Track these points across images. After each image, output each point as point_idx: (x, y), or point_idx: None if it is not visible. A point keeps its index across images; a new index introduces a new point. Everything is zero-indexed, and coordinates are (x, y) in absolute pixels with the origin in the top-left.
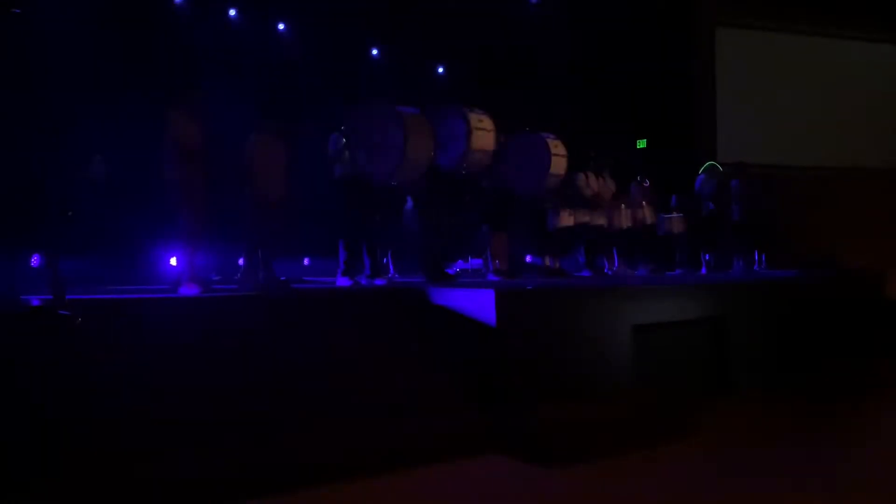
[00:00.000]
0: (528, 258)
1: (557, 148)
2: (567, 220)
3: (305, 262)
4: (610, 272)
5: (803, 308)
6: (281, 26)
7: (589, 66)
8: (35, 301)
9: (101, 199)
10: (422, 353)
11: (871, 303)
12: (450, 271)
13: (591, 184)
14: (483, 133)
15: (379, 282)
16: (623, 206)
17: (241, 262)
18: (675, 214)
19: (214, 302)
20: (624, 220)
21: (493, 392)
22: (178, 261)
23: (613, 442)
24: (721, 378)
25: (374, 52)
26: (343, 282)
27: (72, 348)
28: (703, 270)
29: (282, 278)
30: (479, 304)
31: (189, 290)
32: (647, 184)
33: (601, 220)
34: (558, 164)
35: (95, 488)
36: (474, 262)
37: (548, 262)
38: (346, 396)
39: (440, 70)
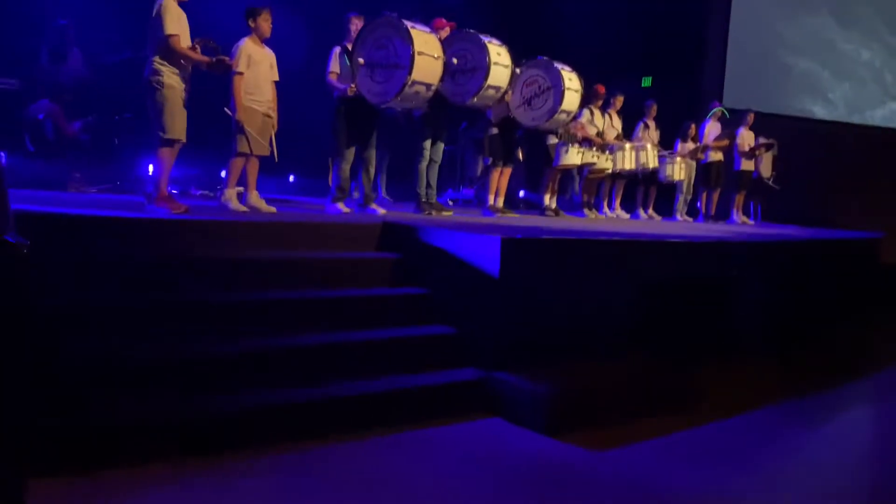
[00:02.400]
0: (521, 192)
1: (572, 82)
2: (574, 158)
3: (291, 178)
4: (605, 214)
5: (804, 271)
6: None
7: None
8: None
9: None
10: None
11: (867, 271)
12: (440, 200)
13: (597, 121)
14: (500, 69)
15: (370, 211)
16: (628, 146)
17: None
18: (677, 160)
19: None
20: (627, 162)
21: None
22: (153, 170)
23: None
24: (721, 338)
25: None
26: (333, 209)
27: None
28: (700, 219)
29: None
30: (482, 249)
31: (157, 210)
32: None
33: (607, 164)
34: (571, 100)
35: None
36: (465, 192)
37: (547, 199)
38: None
39: None
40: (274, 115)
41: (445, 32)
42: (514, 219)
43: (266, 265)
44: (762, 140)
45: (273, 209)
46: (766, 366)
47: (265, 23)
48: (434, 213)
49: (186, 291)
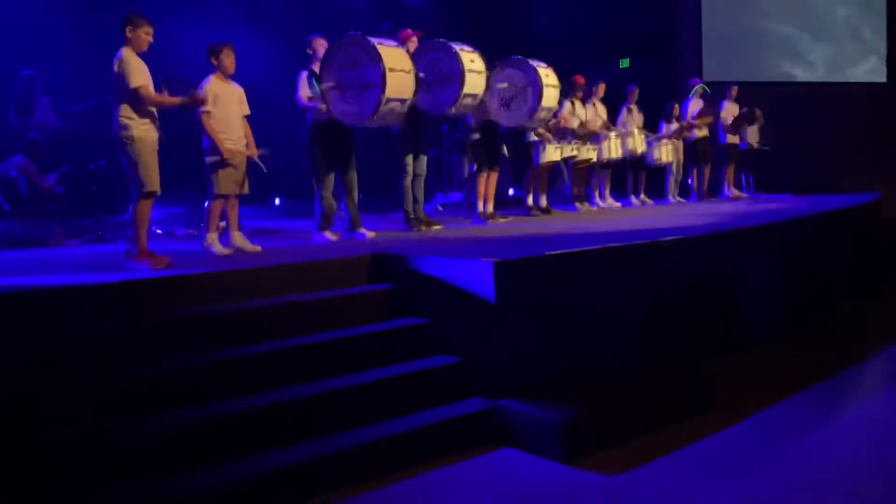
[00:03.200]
0: (510, 191)
1: (549, 78)
2: (553, 154)
3: (276, 202)
4: (597, 205)
5: (810, 246)
6: None
7: None
8: None
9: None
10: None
11: (872, 234)
12: (428, 208)
13: (579, 112)
14: (475, 76)
15: (359, 235)
16: (613, 135)
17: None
18: (663, 142)
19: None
20: (614, 150)
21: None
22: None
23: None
24: (732, 333)
25: None
26: (320, 238)
27: None
28: (693, 198)
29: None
30: (476, 276)
31: (138, 266)
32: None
33: (590, 154)
34: (550, 96)
35: None
36: (454, 196)
37: (531, 199)
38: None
39: None
40: (251, 148)
41: (413, 43)
42: (506, 224)
43: (254, 315)
44: (743, 111)
45: (258, 248)
46: (778, 356)
47: (228, 59)
48: (423, 228)
49: (169, 357)
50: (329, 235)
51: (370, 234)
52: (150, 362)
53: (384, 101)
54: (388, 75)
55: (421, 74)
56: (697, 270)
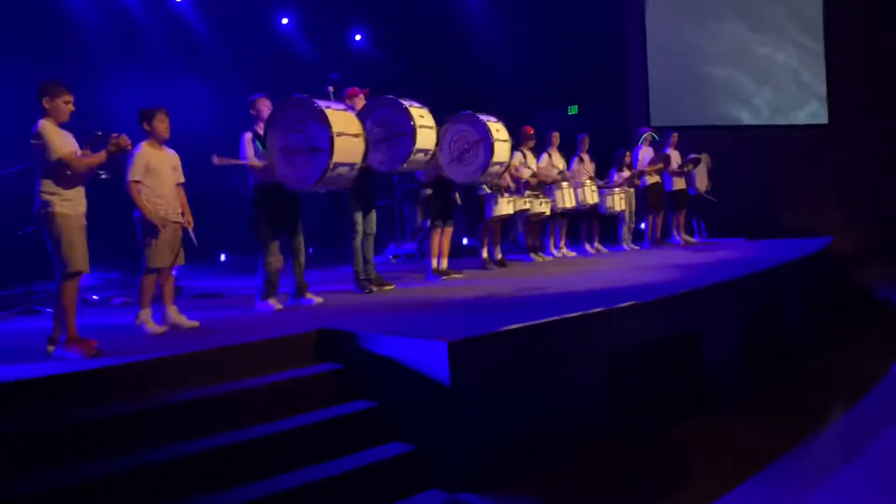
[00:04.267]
0: (464, 240)
1: (500, 132)
2: (506, 208)
3: (222, 257)
4: (552, 255)
5: (769, 299)
6: None
7: (517, 32)
8: None
9: None
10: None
11: (827, 275)
12: (381, 259)
13: (530, 162)
14: (426, 131)
15: (305, 301)
16: (565, 185)
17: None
18: (615, 191)
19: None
20: (567, 200)
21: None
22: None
23: None
24: (698, 396)
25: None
26: (263, 307)
27: None
28: (647, 245)
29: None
30: (429, 356)
31: (67, 354)
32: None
33: (543, 208)
34: (501, 151)
35: None
36: (407, 247)
37: (485, 252)
38: None
39: (357, 38)
40: (186, 217)
41: (360, 101)
42: (461, 282)
43: (188, 408)
44: (689, 157)
45: (195, 323)
46: (743, 421)
47: (161, 124)
48: (375, 289)
49: (89, 462)
50: (273, 303)
51: (317, 300)
52: (67, 468)
53: (332, 166)
54: (337, 140)
55: (375, 131)
56: (655, 332)
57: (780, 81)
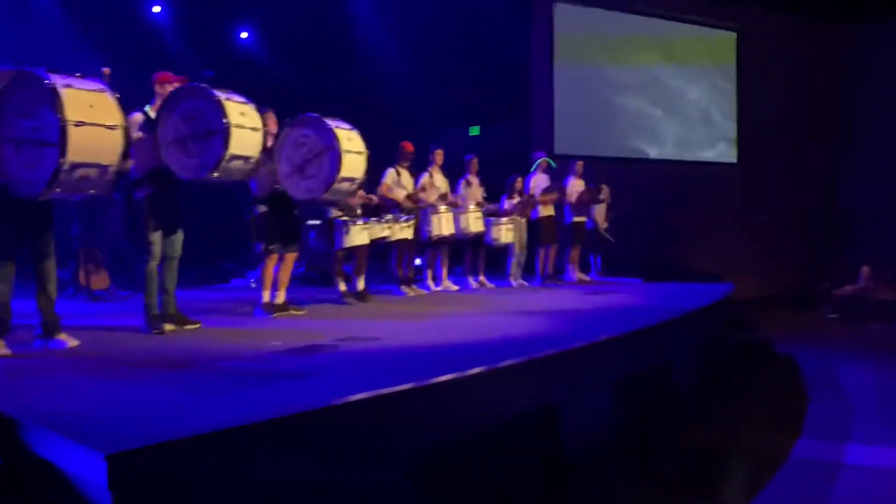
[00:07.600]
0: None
1: (352, 142)
2: (359, 237)
3: None
4: (428, 289)
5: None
6: None
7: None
8: None
9: None
10: None
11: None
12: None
13: (405, 182)
14: (245, 133)
15: (55, 344)
16: (443, 209)
17: None
18: (503, 221)
19: None
20: (446, 227)
21: None
22: None
23: None
24: (558, 484)
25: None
26: None
27: None
28: (538, 281)
29: None
30: (86, 473)
31: None
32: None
33: (405, 234)
34: (353, 164)
35: None
36: (253, 275)
37: (342, 284)
38: None
39: (244, 35)
40: None
41: (171, 87)
42: (293, 321)
43: None
44: (589, 187)
45: None
46: None
47: None
48: (169, 328)
49: None
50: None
51: (72, 343)
52: None
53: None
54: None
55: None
56: (502, 411)
57: (690, 118)
